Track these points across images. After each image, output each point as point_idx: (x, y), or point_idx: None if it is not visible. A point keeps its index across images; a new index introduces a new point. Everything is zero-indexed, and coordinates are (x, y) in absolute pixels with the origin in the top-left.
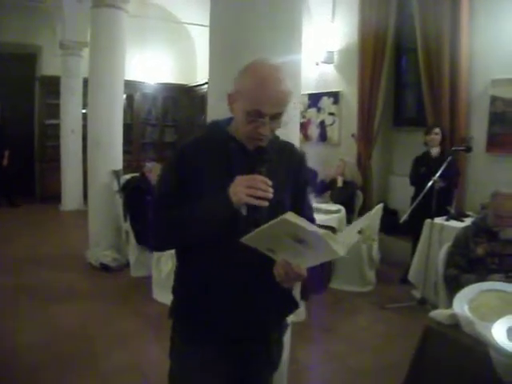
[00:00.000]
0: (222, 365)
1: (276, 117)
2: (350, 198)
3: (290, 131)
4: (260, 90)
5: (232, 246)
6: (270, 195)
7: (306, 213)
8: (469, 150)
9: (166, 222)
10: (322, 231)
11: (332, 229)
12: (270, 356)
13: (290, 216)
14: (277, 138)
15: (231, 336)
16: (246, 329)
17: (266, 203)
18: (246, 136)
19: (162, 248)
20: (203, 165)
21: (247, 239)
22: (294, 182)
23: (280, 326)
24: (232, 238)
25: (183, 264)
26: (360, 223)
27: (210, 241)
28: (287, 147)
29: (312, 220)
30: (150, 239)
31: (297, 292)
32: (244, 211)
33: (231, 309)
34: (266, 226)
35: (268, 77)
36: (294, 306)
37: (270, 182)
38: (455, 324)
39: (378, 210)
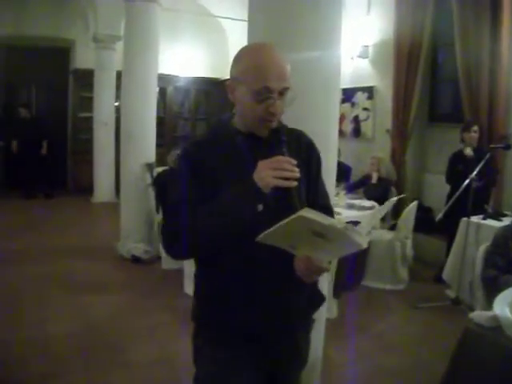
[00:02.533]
0: (251, 365)
1: (283, 93)
2: (384, 194)
3: (329, 125)
4: (265, 66)
5: (256, 243)
6: (297, 174)
7: (321, 202)
8: (508, 147)
9: (187, 227)
10: (341, 225)
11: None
12: (299, 352)
13: (307, 212)
14: (284, 126)
15: (259, 335)
16: (272, 326)
17: (295, 183)
18: (257, 120)
19: (185, 256)
20: (215, 165)
21: (263, 237)
22: (306, 171)
23: (307, 321)
24: (255, 234)
25: (205, 265)
26: (380, 212)
27: (237, 237)
28: (295, 134)
29: (328, 209)
30: (170, 249)
31: (324, 286)
32: (260, 207)
33: (258, 307)
34: (282, 223)
35: (269, 52)
36: (320, 299)
37: (294, 161)
38: (496, 326)
39: (412, 207)
